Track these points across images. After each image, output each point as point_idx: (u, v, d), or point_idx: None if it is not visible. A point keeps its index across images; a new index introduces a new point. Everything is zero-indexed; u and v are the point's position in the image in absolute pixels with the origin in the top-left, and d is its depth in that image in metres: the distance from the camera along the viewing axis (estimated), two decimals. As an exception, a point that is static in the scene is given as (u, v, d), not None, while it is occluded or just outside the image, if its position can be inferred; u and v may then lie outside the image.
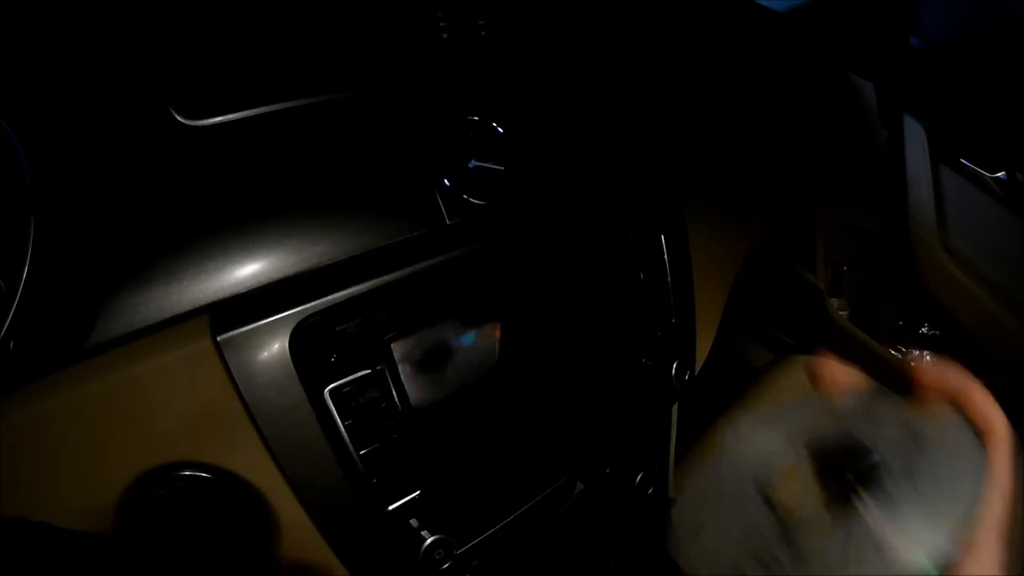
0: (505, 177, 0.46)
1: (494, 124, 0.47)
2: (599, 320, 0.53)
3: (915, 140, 0.81)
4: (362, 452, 0.40)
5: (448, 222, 0.44)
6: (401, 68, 0.47)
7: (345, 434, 0.40)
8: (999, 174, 0.74)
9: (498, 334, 0.46)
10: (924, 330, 0.97)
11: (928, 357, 0.97)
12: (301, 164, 0.41)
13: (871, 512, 0.24)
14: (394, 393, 0.42)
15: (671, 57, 0.64)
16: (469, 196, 0.44)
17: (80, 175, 0.36)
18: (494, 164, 0.46)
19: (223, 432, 0.37)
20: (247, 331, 0.36)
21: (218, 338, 0.36)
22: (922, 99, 0.81)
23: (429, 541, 0.43)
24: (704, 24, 0.69)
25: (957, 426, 0.25)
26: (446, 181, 0.44)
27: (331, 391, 0.39)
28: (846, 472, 0.26)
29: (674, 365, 0.56)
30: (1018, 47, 0.74)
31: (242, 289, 0.37)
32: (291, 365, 0.37)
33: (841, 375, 0.28)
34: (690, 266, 0.59)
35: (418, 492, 0.43)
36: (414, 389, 0.43)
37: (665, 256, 0.56)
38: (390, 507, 0.42)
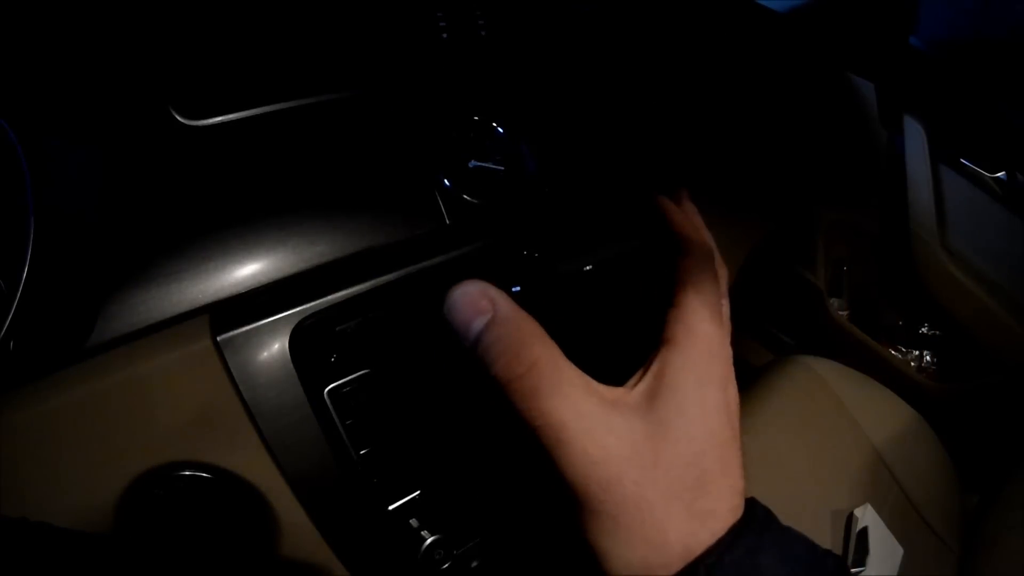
0: (505, 177, 0.46)
1: (494, 124, 0.47)
2: (599, 319, 0.52)
3: (915, 140, 0.81)
4: (362, 452, 0.40)
5: (448, 222, 0.44)
6: (401, 68, 0.47)
7: (344, 434, 0.40)
8: (999, 174, 0.74)
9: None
10: (924, 330, 0.97)
11: (928, 357, 0.97)
12: (301, 164, 0.41)
13: None
14: (394, 393, 0.42)
15: (671, 57, 0.64)
16: (469, 196, 0.44)
17: (80, 175, 0.36)
18: (494, 164, 0.46)
19: (223, 432, 0.37)
20: (247, 331, 0.37)
21: (218, 338, 0.36)
22: (922, 99, 0.81)
23: (429, 541, 0.43)
24: (704, 24, 0.69)
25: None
26: (446, 181, 0.44)
27: (330, 391, 0.39)
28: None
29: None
30: (1018, 47, 0.74)
31: (242, 289, 0.37)
32: (291, 365, 0.37)
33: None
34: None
35: (418, 492, 0.43)
36: (413, 389, 0.43)
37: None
38: (390, 507, 0.42)
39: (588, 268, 0.40)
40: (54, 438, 0.33)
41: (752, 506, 0.21)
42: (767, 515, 0.21)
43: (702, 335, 0.22)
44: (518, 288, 0.42)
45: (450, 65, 0.49)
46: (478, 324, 0.20)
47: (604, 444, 0.19)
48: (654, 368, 0.21)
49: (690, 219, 0.27)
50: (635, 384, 0.21)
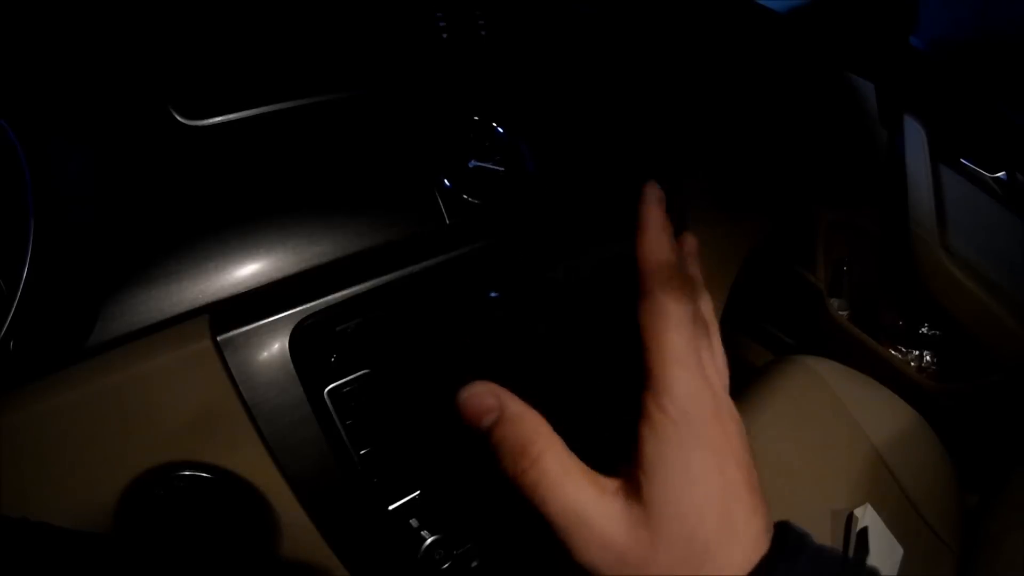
0: (505, 177, 0.46)
1: (494, 124, 0.47)
2: (599, 320, 0.53)
3: (915, 140, 0.81)
4: (362, 452, 0.40)
5: (448, 222, 0.44)
6: (401, 68, 0.47)
7: (344, 434, 0.40)
8: (999, 174, 0.74)
9: (498, 333, 0.46)
10: (924, 330, 0.97)
11: (928, 357, 0.97)
12: (301, 164, 0.41)
13: None
14: (394, 393, 0.42)
15: (671, 57, 0.64)
16: (469, 196, 0.44)
17: (80, 175, 0.36)
18: (494, 164, 0.46)
19: (223, 432, 0.37)
20: (247, 331, 0.37)
21: (218, 338, 0.36)
22: (922, 99, 0.81)
23: (429, 541, 0.43)
24: (704, 24, 0.69)
25: None
26: (446, 181, 0.44)
27: (330, 391, 0.39)
28: None
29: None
30: (1018, 46, 0.74)
31: (242, 289, 0.37)
32: (291, 365, 0.37)
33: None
34: (690, 266, 0.59)
35: (418, 492, 0.43)
36: (413, 389, 0.43)
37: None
38: (390, 507, 0.42)
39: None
40: (54, 438, 0.33)
41: (777, 547, 0.21)
42: (792, 552, 0.21)
43: (675, 406, 0.21)
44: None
45: (450, 65, 0.49)
46: (486, 422, 0.23)
47: (604, 532, 0.21)
48: (635, 450, 0.22)
49: (661, 244, 0.25)
50: (626, 467, 0.22)
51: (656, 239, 0.25)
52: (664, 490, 0.21)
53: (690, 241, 0.30)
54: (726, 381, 0.25)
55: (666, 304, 0.23)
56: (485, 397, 0.23)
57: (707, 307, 0.27)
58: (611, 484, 0.22)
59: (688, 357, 0.22)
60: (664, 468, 0.21)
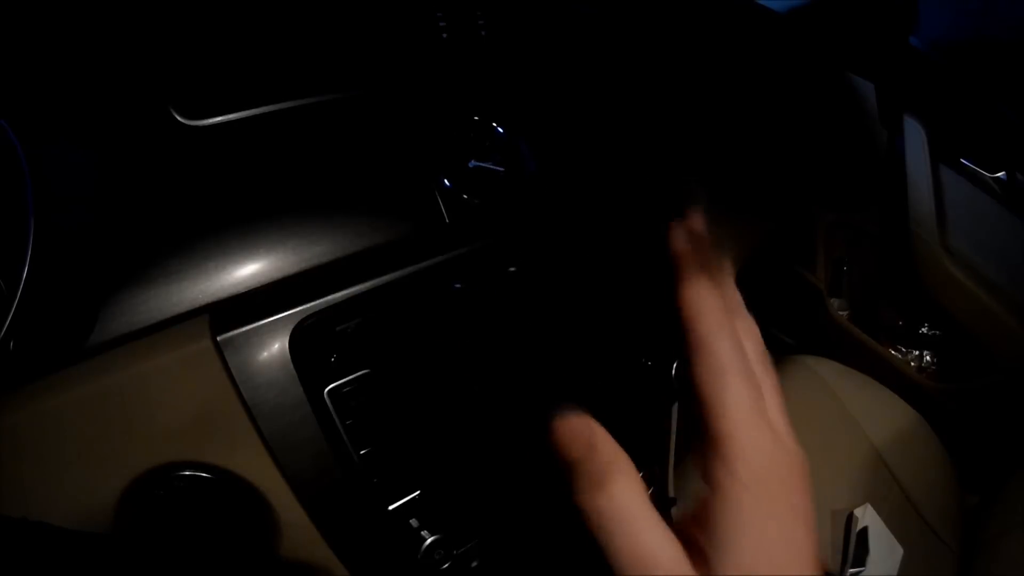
0: (505, 177, 0.46)
1: (494, 124, 0.47)
2: (600, 321, 0.53)
3: (915, 140, 0.81)
4: (362, 452, 0.40)
5: (448, 222, 0.44)
6: (401, 68, 0.47)
7: (344, 434, 0.40)
8: (999, 174, 0.74)
9: (498, 333, 0.46)
10: (924, 330, 0.97)
11: (928, 357, 0.97)
12: (301, 164, 0.41)
13: None
14: (394, 393, 0.42)
15: (671, 57, 0.64)
16: (469, 196, 0.44)
17: (80, 175, 0.36)
18: (494, 164, 0.46)
19: (223, 432, 0.37)
20: (247, 331, 0.36)
21: (218, 338, 0.36)
22: (922, 99, 0.81)
23: (429, 541, 0.43)
24: (704, 24, 0.69)
25: None
26: (446, 181, 0.44)
27: (330, 391, 0.39)
28: None
29: (674, 365, 0.56)
30: (1018, 47, 0.74)
31: (242, 289, 0.37)
32: (291, 365, 0.37)
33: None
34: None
35: (418, 492, 0.43)
36: (413, 389, 0.43)
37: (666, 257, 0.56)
38: (390, 507, 0.42)
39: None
40: (54, 438, 0.33)
41: None
42: None
43: (748, 471, 0.20)
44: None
45: (450, 65, 0.49)
46: (575, 452, 0.22)
47: None
48: (703, 515, 0.20)
49: (706, 286, 0.22)
50: (695, 528, 0.21)
51: (699, 283, 0.22)
52: (732, 560, 0.19)
53: (726, 263, 0.26)
54: (787, 420, 0.23)
55: (724, 357, 0.21)
56: (581, 427, 0.22)
57: (758, 338, 0.24)
58: (680, 539, 0.21)
59: (756, 415, 0.21)
60: (734, 536, 0.20)
